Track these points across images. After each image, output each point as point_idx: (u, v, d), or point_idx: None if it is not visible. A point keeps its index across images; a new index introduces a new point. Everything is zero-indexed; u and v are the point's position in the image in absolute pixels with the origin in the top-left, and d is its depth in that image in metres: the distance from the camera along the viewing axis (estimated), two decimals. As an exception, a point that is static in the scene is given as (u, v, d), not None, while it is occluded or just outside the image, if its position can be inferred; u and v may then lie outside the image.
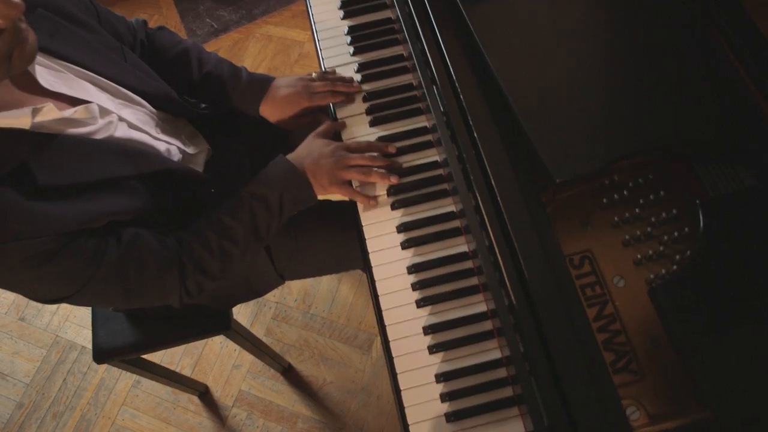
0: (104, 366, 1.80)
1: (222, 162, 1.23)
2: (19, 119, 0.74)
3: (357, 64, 1.15)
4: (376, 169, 1.00)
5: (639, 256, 0.75)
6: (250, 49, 2.38)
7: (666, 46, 0.80)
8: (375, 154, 1.02)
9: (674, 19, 0.81)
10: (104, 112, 0.89)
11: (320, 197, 1.04)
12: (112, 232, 0.89)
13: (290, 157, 1.03)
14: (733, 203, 0.67)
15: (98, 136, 0.87)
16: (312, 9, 1.25)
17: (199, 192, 1.08)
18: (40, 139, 0.78)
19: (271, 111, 1.13)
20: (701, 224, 0.64)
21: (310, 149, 1.03)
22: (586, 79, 0.78)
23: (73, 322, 1.89)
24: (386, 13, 1.20)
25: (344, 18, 1.22)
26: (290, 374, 1.74)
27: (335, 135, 1.11)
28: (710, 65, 0.77)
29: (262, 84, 1.13)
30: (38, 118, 0.76)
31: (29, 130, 0.76)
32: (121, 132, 0.92)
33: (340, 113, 1.11)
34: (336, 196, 1.06)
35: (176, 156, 1.07)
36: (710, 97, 0.75)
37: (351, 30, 1.20)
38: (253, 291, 1.27)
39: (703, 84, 0.76)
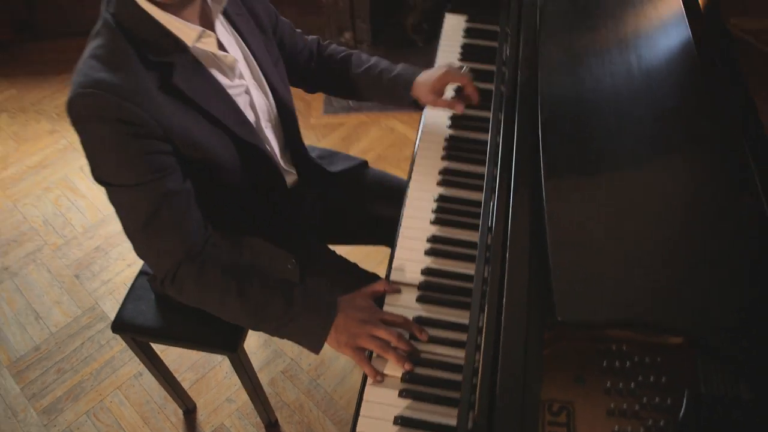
0: (120, 347, 1.89)
1: (299, 195, 1.35)
2: (187, 31, 0.94)
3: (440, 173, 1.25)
4: (395, 348, 0.97)
5: (617, 428, 0.74)
6: (370, 133, 2.59)
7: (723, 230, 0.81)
8: (404, 333, 1.00)
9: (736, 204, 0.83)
10: (240, 77, 1.08)
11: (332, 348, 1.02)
12: (186, 171, 1.00)
13: (339, 301, 1.04)
14: (723, 404, 0.65)
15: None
16: (425, 113, 1.39)
17: (274, 193, 1.22)
18: (191, 61, 0.97)
19: (420, 93, 1.27)
20: (682, 411, 0.63)
21: (350, 303, 1.04)
22: (628, 242, 0.81)
23: (116, 298, 2.02)
24: (485, 135, 1.31)
25: (449, 127, 1.35)
26: (273, 430, 1.73)
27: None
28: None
29: (406, 85, 1.28)
30: (200, 44, 0.96)
31: (189, 48, 0.96)
32: (241, 101, 1.08)
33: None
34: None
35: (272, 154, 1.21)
36: (749, 305, 0.75)
37: (450, 138, 1.32)
38: None
39: (747, 285, 0.77)
